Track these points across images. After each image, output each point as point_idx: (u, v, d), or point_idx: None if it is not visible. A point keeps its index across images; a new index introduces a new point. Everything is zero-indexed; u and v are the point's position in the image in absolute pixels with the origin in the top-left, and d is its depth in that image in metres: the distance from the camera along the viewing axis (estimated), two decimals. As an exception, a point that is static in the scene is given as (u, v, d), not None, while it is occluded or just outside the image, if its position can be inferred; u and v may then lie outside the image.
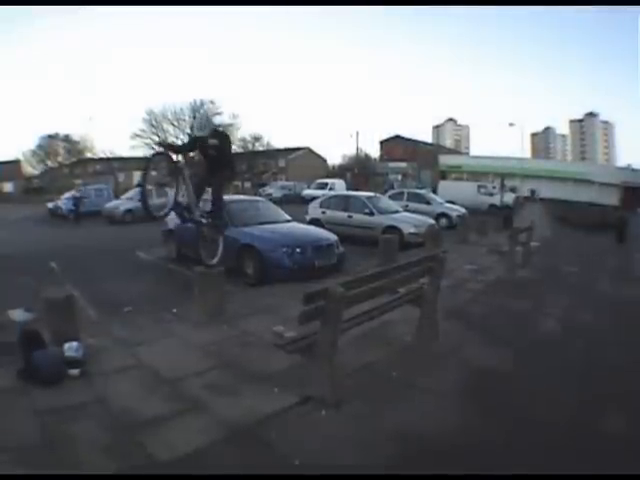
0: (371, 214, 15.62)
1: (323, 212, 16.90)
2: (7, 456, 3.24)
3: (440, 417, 3.92)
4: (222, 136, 7.15)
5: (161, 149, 7.40)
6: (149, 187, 6.66)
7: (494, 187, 36.12)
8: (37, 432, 3.58)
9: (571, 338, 6.19)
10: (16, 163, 66.34)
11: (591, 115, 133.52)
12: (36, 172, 69.56)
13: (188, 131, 58.27)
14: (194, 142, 7.34)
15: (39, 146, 66.42)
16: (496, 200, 30.90)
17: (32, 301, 6.58)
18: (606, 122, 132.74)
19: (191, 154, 7.70)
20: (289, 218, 11.75)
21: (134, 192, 27.77)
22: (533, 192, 50.33)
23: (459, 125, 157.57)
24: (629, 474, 3.28)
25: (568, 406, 4.19)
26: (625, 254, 15.28)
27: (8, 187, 61.83)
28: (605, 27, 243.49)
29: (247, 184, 64.76)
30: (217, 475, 3.20)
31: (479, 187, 34.65)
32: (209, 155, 6.94)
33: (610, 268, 12.30)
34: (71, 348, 4.69)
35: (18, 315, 6.88)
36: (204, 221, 7.13)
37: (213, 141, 6.83)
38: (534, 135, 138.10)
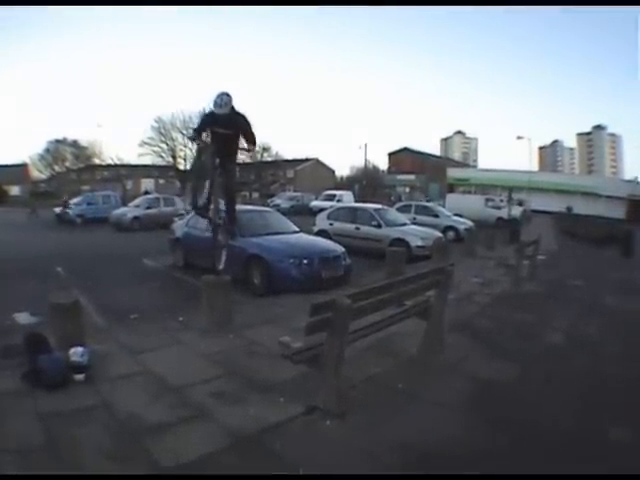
0: (379, 226, 15.62)
1: (331, 224, 16.92)
2: (10, 457, 3.27)
3: (445, 429, 3.91)
4: (238, 116, 6.79)
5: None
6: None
7: (501, 200, 36.08)
8: (41, 435, 3.60)
9: (576, 351, 6.16)
10: (23, 167, 66.41)
11: (599, 128, 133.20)
12: (43, 176, 69.55)
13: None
14: (204, 120, 7.21)
15: (47, 150, 66.38)
16: (503, 213, 30.82)
17: (38, 305, 6.61)
18: (613, 135, 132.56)
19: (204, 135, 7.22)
20: (297, 229, 11.81)
21: (141, 200, 27.92)
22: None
23: (467, 138, 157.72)
24: (629, 474, 3.32)
25: (572, 419, 4.17)
26: (630, 268, 15.21)
27: (15, 190, 61.86)
28: (611, 41, 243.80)
29: (255, 194, 64.92)
30: (217, 475, 3.22)
31: (486, 200, 34.56)
32: (219, 136, 6.77)
33: (615, 282, 12.22)
34: (76, 353, 4.69)
35: (24, 319, 6.93)
36: (221, 222, 7.19)
37: (222, 129, 6.65)
38: (542, 148, 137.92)
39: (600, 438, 3.82)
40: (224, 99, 6.47)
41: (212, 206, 7.17)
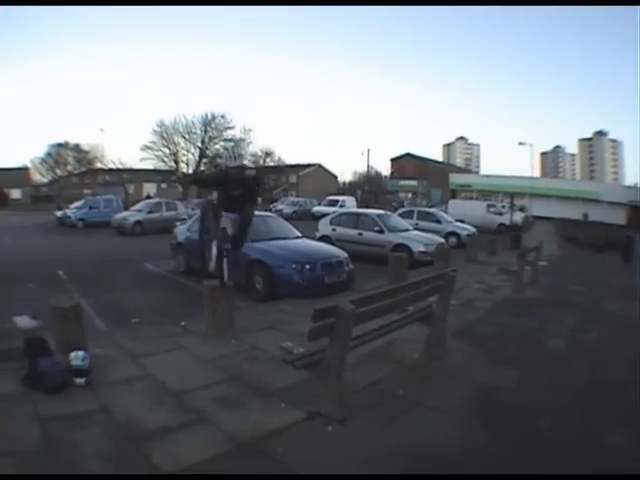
0: (381, 232, 15.63)
1: (333, 229, 16.96)
2: (9, 460, 3.25)
3: (446, 435, 3.88)
4: (250, 178, 6.78)
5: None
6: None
7: (503, 206, 36.11)
8: (40, 439, 3.58)
9: (577, 357, 6.13)
10: (25, 170, 66.48)
11: (600, 134, 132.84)
12: (45, 180, 69.74)
13: (199, 144, 58.37)
14: (216, 179, 7.27)
15: (48, 154, 66.19)
16: (505, 219, 30.82)
17: (39, 309, 6.60)
18: (614, 140, 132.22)
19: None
20: (299, 234, 11.80)
21: (143, 204, 27.95)
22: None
23: (469, 144, 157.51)
24: (629, 474, 3.33)
25: (573, 424, 4.15)
26: (631, 273, 15.20)
27: (16, 194, 62.02)
28: (613, 46, 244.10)
29: (258, 199, 64.90)
30: (216, 475, 3.23)
31: (488, 206, 34.48)
32: (233, 194, 6.67)
33: (616, 287, 12.27)
34: (77, 357, 4.67)
35: (24, 322, 6.91)
36: (227, 246, 6.99)
37: (235, 192, 6.60)
38: (543, 154, 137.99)
39: (600, 444, 3.80)
40: (235, 151, 6.52)
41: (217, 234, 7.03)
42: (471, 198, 58.35)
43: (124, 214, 26.62)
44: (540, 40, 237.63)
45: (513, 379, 5.22)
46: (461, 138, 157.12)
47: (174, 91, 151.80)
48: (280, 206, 43.59)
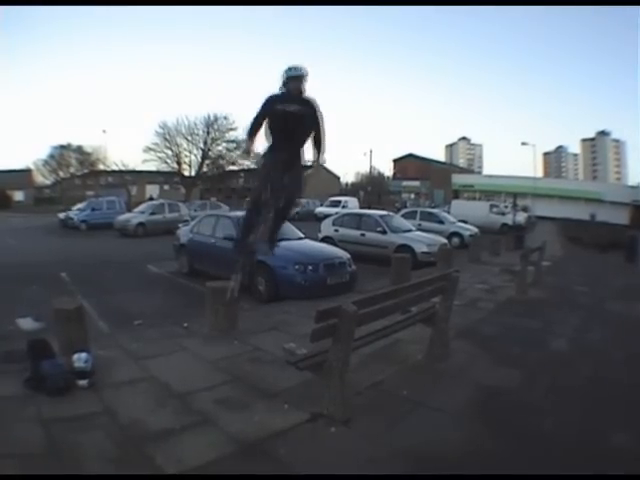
0: (384, 233, 15.64)
1: (336, 230, 16.95)
2: (11, 462, 3.25)
3: (449, 436, 3.88)
4: (315, 107, 5.68)
5: None
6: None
7: (506, 206, 36.07)
8: (43, 441, 3.57)
9: (580, 357, 6.13)
10: (27, 172, 66.41)
11: (603, 134, 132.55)
12: (47, 182, 69.72)
13: (201, 146, 58.28)
14: (269, 102, 5.60)
15: (51, 156, 65.97)
16: (508, 219, 30.78)
17: (41, 311, 6.60)
18: (617, 140, 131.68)
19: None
20: (302, 235, 11.79)
21: (146, 205, 27.93)
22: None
23: (472, 144, 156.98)
24: (629, 474, 3.33)
25: (575, 425, 4.15)
26: (635, 273, 15.17)
27: (19, 196, 62.01)
28: (615, 46, 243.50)
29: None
30: (217, 475, 3.23)
31: (491, 206, 34.43)
32: (288, 121, 5.45)
33: (619, 287, 12.27)
34: (80, 359, 4.66)
35: (27, 324, 6.91)
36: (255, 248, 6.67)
37: (294, 107, 5.39)
38: (546, 154, 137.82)
39: (602, 444, 3.79)
40: (303, 68, 5.38)
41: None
42: (474, 198, 58.40)
43: (127, 216, 26.57)
44: (542, 40, 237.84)
45: (516, 380, 5.21)
46: (463, 138, 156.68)
47: (176, 92, 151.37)
48: (283, 207, 43.42)
